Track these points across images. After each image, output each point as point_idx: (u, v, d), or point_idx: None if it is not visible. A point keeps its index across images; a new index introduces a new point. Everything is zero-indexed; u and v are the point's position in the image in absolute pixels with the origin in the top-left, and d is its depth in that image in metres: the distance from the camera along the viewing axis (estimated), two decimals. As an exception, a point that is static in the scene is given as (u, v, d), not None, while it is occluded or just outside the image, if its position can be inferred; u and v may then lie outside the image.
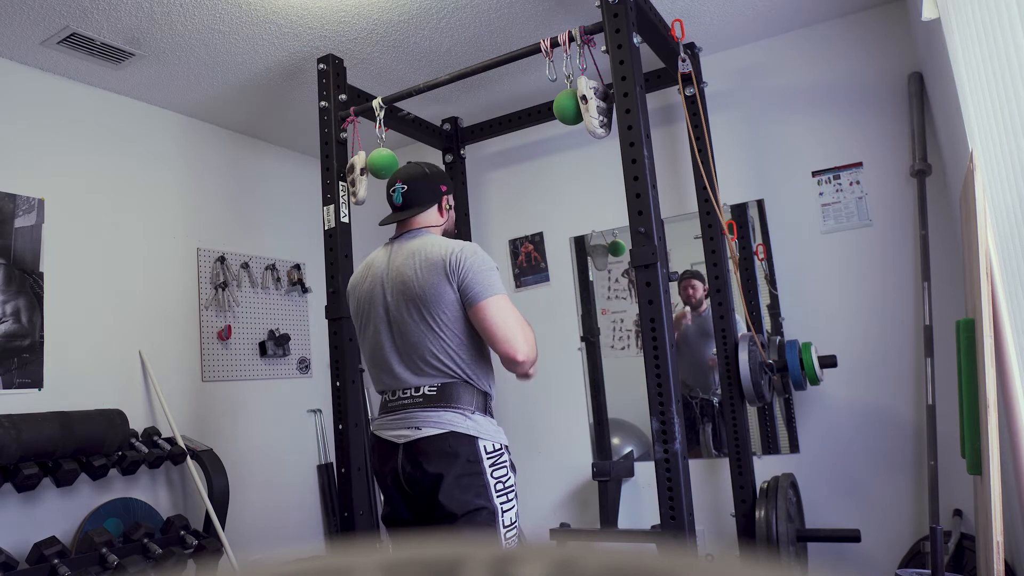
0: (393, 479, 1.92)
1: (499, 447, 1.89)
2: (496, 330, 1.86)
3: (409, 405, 1.90)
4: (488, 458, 1.85)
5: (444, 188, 2.10)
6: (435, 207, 2.08)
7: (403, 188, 2.04)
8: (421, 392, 1.89)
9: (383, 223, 2.12)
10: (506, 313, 1.88)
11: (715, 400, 3.39)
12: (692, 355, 3.47)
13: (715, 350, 3.12)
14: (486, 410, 1.94)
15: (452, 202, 2.14)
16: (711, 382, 3.42)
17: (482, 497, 1.82)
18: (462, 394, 1.88)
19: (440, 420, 1.85)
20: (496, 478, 1.85)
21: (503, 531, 1.83)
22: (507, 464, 1.90)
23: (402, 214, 2.05)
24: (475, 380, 1.92)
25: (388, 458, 1.93)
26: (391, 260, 2.01)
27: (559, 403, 3.69)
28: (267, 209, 4.01)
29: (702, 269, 3.21)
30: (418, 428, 1.86)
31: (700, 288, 3.44)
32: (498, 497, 1.84)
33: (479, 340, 1.93)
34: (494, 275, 1.92)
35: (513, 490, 1.89)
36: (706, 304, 3.37)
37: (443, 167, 3.63)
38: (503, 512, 1.84)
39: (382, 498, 2.06)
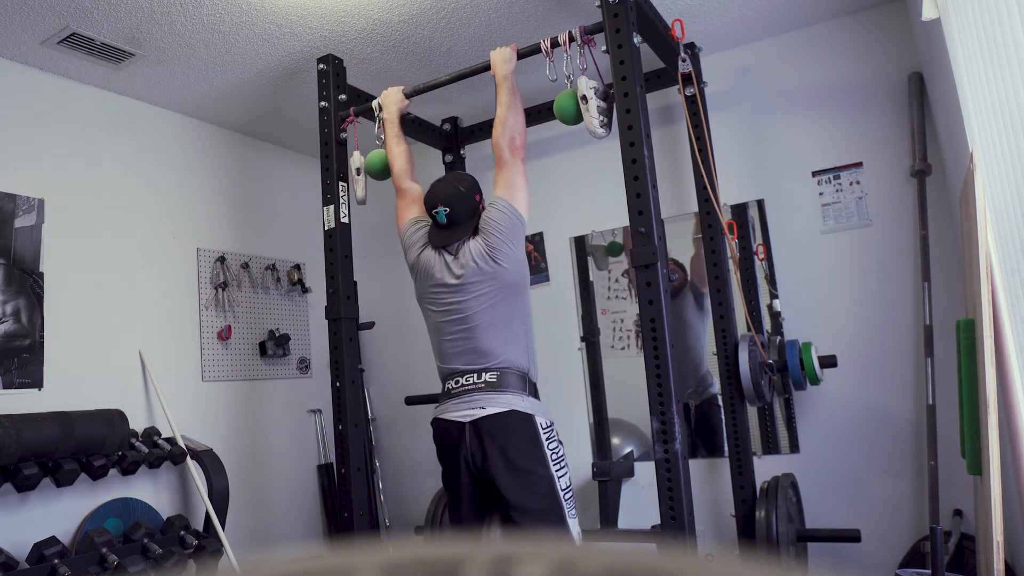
0: (461, 460, 2.19)
1: (550, 424, 2.19)
2: (526, 187, 2.34)
3: (472, 390, 2.18)
4: (544, 432, 2.14)
5: (478, 198, 2.33)
6: (476, 219, 2.30)
7: (446, 211, 2.25)
8: (483, 379, 2.18)
9: (435, 245, 2.32)
10: (516, 184, 2.31)
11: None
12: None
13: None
14: (536, 395, 2.24)
15: (485, 204, 2.37)
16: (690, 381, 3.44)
17: (543, 467, 2.12)
18: (516, 382, 2.19)
19: (501, 401, 2.14)
20: (551, 450, 2.14)
21: (561, 494, 2.13)
22: (557, 438, 2.20)
23: (451, 234, 2.27)
24: (527, 370, 2.22)
25: (456, 435, 2.19)
26: (448, 264, 2.28)
27: (559, 403, 3.69)
28: (267, 209, 4.01)
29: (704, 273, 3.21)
30: (483, 408, 2.14)
31: (677, 272, 3.49)
32: (554, 465, 2.13)
33: (528, 330, 2.25)
34: (503, 212, 2.24)
35: (564, 459, 2.20)
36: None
37: (443, 167, 3.63)
38: (559, 478, 2.14)
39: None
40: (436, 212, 2.25)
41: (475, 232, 2.29)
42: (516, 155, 2.32)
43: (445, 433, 2.22)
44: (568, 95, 2.40)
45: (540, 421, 2.15)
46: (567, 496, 2.15)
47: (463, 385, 2.21)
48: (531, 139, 3.84)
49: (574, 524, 2.18)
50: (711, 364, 3.37)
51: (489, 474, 2.12)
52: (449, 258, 2.28)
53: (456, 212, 2.24)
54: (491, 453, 2.11)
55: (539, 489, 2.11)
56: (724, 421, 3.06)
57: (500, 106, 2.37)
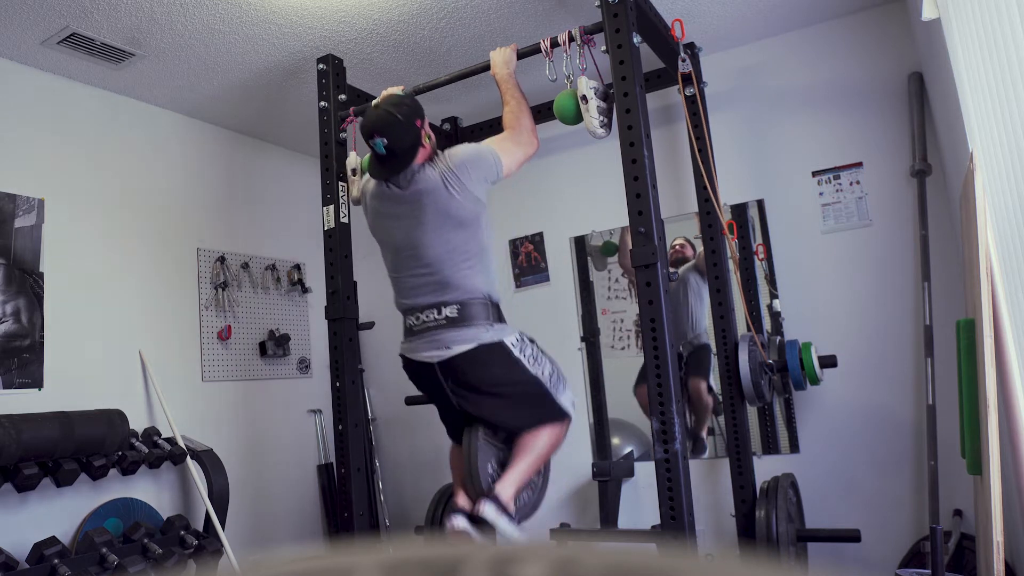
0: (440, 393, 2.17)
1: (519, 337, 2.15)
2: (521, 160, 2.24)
3: (434, 328, 2.10)
4: (515, 349, 2.11)
5: (419, 122, 2.15)
6: (418, 147, 2.15)
7: (384, 141, 2.08)
8: (444, 315, 2.09)
9: (376, 177, 2.19)
10: (514, 147, 2.21)
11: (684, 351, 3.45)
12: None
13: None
14: (501, 318, 2.17)
15: (429, 129, 2.21)
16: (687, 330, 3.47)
17: (524, 374, 2.10)
18: (479, 311, 2.09)
19: (465, 336, 2.07)
20: (526, 356, 2.12)
21: (547, 379, 2.13)
22: (527, 341, 2.17)
23: (394, 166, 2.13)
24: (488, 294, 2.13)
25: (428, 375, 2.15)
26: (394, 196, 2.17)
27: (559, 403, 3.68)
28: (267, 209, 4.01)
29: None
30: (448, 347, 2.07)
31: (688, 249, 3.49)
32: (533, 367, 2.12)
33: (485, 253, 2.16)
34: (477, 146, 2.17)
35: (541, 353, 2.17)
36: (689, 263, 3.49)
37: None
38: (544, 374, 2.13)
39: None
40: (374, 143, 2.08)
41: (430, 160, 2.17)
42: (534, 137, 2.30)
43: (416, 371, 2.20)
44: (568, 95, 2.40)
45: (508, 341, 2.10)
46: (553, 380, 2.15)
47: (424, 322, 2.12)
48: (531, 139, 3.85)
49: (567, 397, 2.17)
50: (708, 327, 3.31)
51: (471, 412, 2.14)
52: (396, 190, 2.17)
53: (396, 141, 2.08)
54: (469, 392, 2.10)
55: (530, 392, 2.11)
56: (716, 366, 3.08)
57: (513, 100, 2.35)
